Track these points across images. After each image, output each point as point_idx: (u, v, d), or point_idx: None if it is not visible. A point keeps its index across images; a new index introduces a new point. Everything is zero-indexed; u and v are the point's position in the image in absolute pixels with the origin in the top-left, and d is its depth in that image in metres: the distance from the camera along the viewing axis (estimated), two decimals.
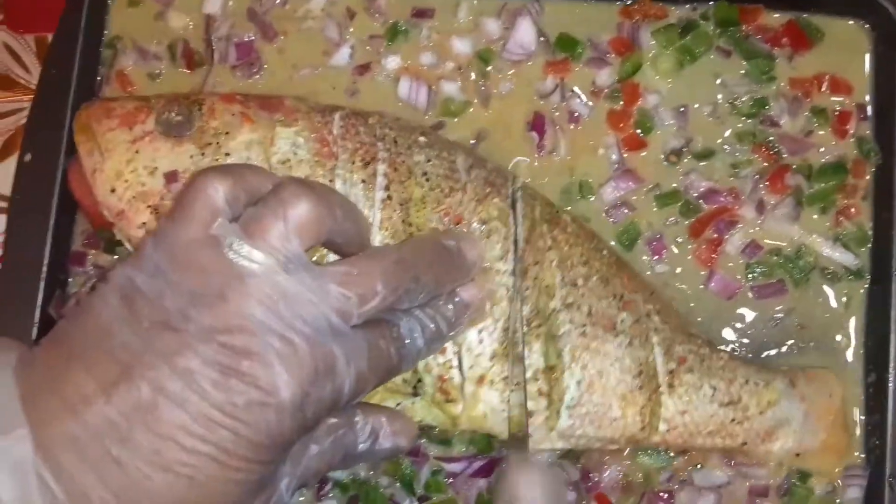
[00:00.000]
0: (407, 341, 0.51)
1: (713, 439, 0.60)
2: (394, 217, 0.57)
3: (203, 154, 0.57)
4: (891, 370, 0.62)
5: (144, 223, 0.57)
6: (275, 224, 0.45)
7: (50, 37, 0.72)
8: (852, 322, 0.65)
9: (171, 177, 0.57)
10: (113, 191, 0.57)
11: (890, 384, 0.62)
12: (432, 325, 0.52)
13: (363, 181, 0.58)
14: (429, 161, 0.60)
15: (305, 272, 0.45)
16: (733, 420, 0.60)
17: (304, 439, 0.49)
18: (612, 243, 0.66)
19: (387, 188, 0.58)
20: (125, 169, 0.57)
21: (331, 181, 0.57)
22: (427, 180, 0.59)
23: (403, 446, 0.55)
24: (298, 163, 0.58)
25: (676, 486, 0.63)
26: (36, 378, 0.44)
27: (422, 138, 0.62)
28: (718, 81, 0.68)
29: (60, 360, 0.44)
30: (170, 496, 0.43)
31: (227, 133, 0.58)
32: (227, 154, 0.57)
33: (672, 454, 0.63)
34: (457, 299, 0.54)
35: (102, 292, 0.46)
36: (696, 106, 0.67)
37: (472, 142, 0.68)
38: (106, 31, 0.71)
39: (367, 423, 0.53)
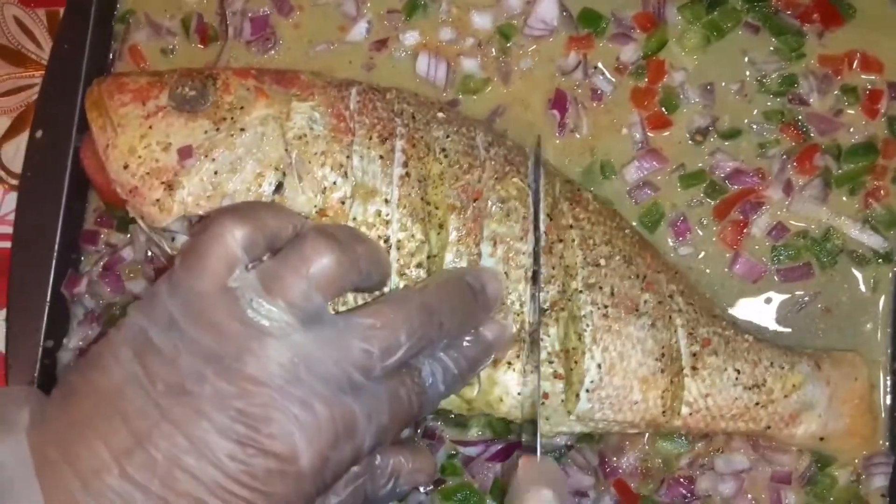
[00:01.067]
0: (428, 384, 0.49)
1: (736, 423, 0.59)
2: (412, 194, 0.56)
3: (217, 129, 0.56)
4: None
5: (158, 200, 0.55)
6: (296, 282, 0.44)
7: (61, 11, 0.71)
8: (880, 306, 0.63)
9: (184, 152, 0.55)
10: (126, 167, 0.56)
11: None
12: (454, 368, 0.51)
13: (381, 157, 0.57)
14: (447, 137, 0.58)
15: (327, 327, 0.44)
16: (757, 404, 0.58)
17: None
18: (635, 225, 0.64)
19: (405, 165, 0.57)
20: (138, 145, 0.56)
21: (348, 157, 0.56)
22: (445, 157, 0.58)
23: (423, 482, 0.55)
24: (315, 138, 0.56)
25: (697, 472, 0.62)
26: (48, 444, 0.43)
27: (440, 114, 0.60)
28: (746, 58, 0.66)
29: (72, 423, 0.43)
30: None
31: (241, 108, 0.57)
32: (242, 129, 0.56)
33: (692, 439, 0.62)
34: (480, 338, 0.53)
35: (114, 345, 0.44)
36: (723, 83, 0.66)
37: (491, 119, 0.66)
38: (118, 5, 0.70)
39: (387, 465, 0.52)
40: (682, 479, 0.62)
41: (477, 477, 0.63)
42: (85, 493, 0.41)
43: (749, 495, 0.62)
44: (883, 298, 0.63)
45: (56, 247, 0.65)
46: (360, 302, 0.53)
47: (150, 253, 0.65)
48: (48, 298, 0.64)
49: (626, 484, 0.62)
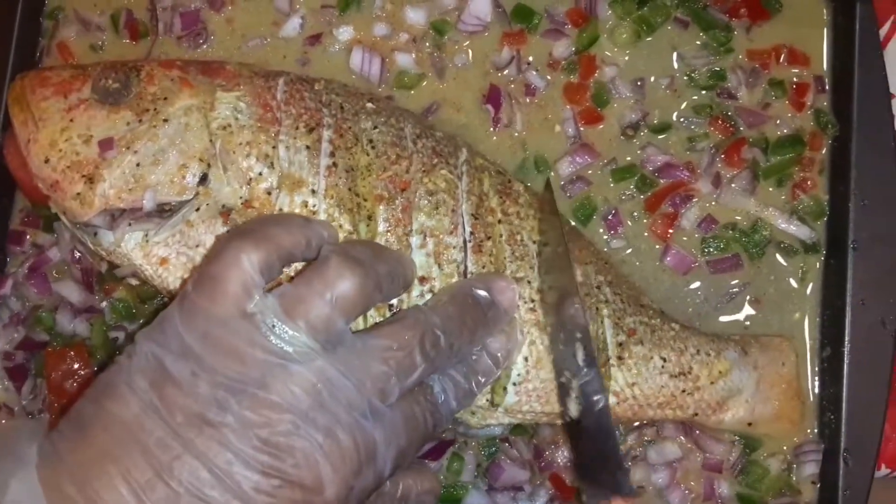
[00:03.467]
0: (440, 401, 0.49)
1: (664, 411, 0.59)
2: (339, 185, 0.56)
3: (140, 121, 0.55)
4: (846, 344, 0.61)
5: (79, 193, 0.54)
6: (319, 306, 0.43)
7: None
8: (808, 296, 0.64)
9: (105, 144, 0.54)
10: (47, 161, 0.55)
11: (845, 358, 0.61)
12: (464, 383, 0.51)
13: (307, 147, 0.56)
14: (375, 128, 0.58)
15: (348, 351, 0.44)
16: (684, 391, 0.59)
17: None
18: (568, 219, 0.65)
19: (332, 155, 0.56)
20: (59, 138, 0.55)
21: (274, 147, 0.55)
22: (373, 148, 0.57)
23: (431, 503, 0.55)
24: (240, 128, 0.56)
25: (629, 465, 0.62)
26: (62, 479, 0.41)
27: (369, 105, 0.60)
28: (676, 54, 0.67)
29: (89, 457, 0.41)
30: None
31: (165, 98, 0.56)
32: (166, 120, 0.55)
33: (623, 431, 0.62)
34: (489, 352, 0.53)
35: (127, 374, 0.43)
36: (653, 79, 0.66)
37: (425, 115, 0.66)
38: (46, 1, 0.69)
39: (396, 490, 0.51)
40: None
41: None
42: None
43: (682, 486, 0.62)
44: (811, 287, 0.64)
45: None
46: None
47: (77, 253, 0.64)
48: None
49: (561, 477, 0.62)
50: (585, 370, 0.52)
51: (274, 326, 0.42)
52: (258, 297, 0.43)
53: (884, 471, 0.66)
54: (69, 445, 0.42)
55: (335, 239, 0.50)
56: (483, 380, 0.53)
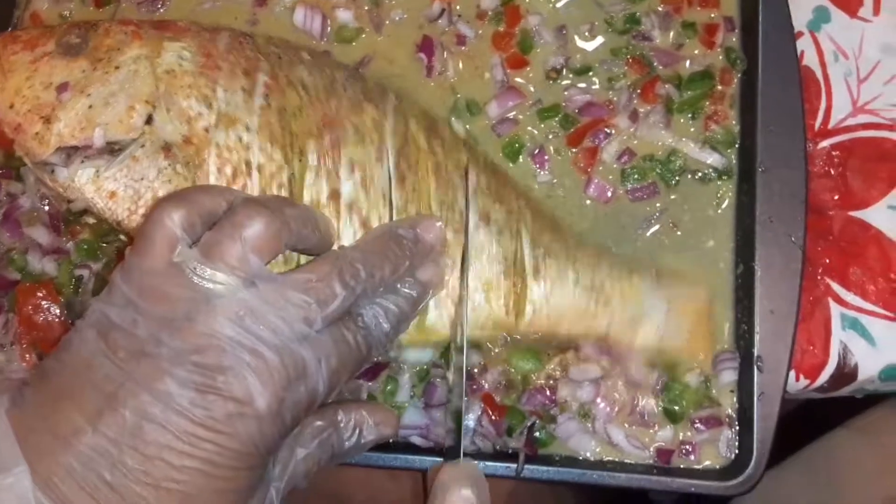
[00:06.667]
0: (373, 326, 0.54)
1: (578, 324, 0.63)
2: (272, 121, 0.61)
3: (95, 69, 0.61)
4: (756, 260, 0.65)
5: (37, 133, 0.60)
6: (232, 247, 0.48)
7: None
8: (722, 218, 0.68)
9: (61, 88, 0.60)
10: (12, 106, 0.61)
11: (756, 273, 0.65)
12: (395, 308, 0.55)
13: (244, 89, 0.61)
14: (309, 74, 0.64)
15: (268, 284, 0.49)
16: (597, 303, 0.63)
17: (289, 443, 0.53)
18: (500, 156, 0.69)
19: (266, 97, 0.62)
20: (24, 86, 0.61)
21: (213, 90, 0.61)
22: (305, 91, 0.63)
23: (388, 434, 0.59)
24: (183, 73, 0.61)
25: (552, 382, 0.65)
26: (28, 417, 0.47)
27: (305, 55, 0.65)
28: (594, 1, 0.71)
29: (48, 397, 0.48)
30: None
31: (118, 49, 0.62)
32: (117, 67, 0.61)
33: (545, 358, 0.65)
34: (416, 280, 0.57)
35: (80, 328, 0.49)
36: (575, 25, 0.71)
37: (360, 67, 0.71)
38: None
39: (349, 419, 0.57)
40: (543, 389, 0.65)
41: (353, 395, 0.66)
42: (65, 453, 0.45)
43: (607, 399, 0.65)
44: (726, 209, 0.68)
45: None
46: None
47: (45, 201, 0.70)
48: None
49: (491, 396, 0.66)
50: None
51: (196, 268, 0.48)
52: (181, 248, 0.49)
53: (802, 381, 0.70)
54: (32, 392, 0.49)
55: None
56: (414, 305, 0.57)
